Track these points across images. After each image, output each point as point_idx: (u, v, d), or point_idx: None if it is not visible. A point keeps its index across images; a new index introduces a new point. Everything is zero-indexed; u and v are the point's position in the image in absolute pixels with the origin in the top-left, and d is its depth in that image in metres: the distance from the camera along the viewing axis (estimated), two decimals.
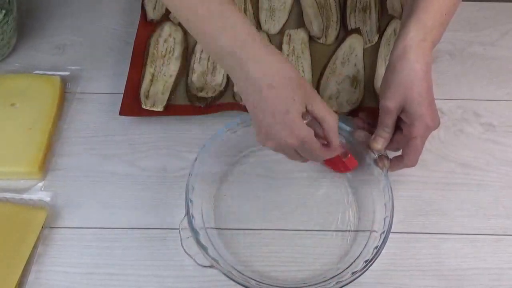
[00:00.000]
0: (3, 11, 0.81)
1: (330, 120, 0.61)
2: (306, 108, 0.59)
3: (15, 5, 0.83)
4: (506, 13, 0.95)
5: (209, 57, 0.84)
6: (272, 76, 0.56)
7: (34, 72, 0.83)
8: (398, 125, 0.67)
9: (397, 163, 0.67)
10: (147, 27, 0.88)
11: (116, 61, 0.86)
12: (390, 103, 0.63)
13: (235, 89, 0.81)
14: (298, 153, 0.63)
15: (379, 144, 0.67)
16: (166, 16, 0.90)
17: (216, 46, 0.57)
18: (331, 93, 0.80)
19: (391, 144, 0.68)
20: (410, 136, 0.64)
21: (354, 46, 0.86)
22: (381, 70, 0.83)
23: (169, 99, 0.79)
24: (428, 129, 0.64)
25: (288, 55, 0.85)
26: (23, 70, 0.84)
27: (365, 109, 0.79)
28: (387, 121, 0.65)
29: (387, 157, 0.68)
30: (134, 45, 0.86)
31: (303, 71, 0.83)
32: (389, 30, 0.88)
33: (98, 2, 0.95)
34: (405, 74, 0.62)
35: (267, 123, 0.58)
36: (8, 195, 0.71)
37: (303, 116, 0.59)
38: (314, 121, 0.61)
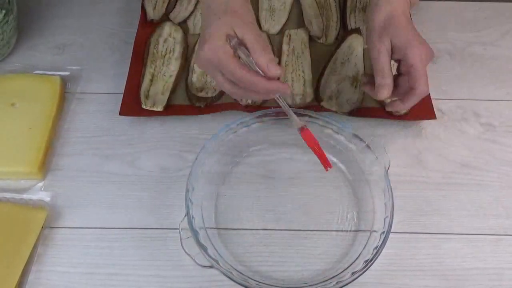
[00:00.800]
0: (3, 11, 0.81)
1: (253, 42, 0.61)
2: (235, 32, 0.61)
3: (15, 5, 0.83)
4: (506, 13, 0.95)
5: None
6: (222, 5, 0.62)
7: (34, 72, 0.83)
8: (399, 73, 0.69)
9: (411, 96, 0.67)
10: (147, 27, 0.88)
11: (116, 61, 0.86)
12: (379, 43, 0.66)
13: None
14: (225, 79, 0.62)
15: (384, 91, 0.66)
16: (166, 16, 0.90)
17: None
18: (331, 93, 0.80)
19: (397, 88, 0.68)
20: (408, 67, 0.65)
21: (354, 46, 0.86)
22: None
23: (169, 99, 0.79)
24: (422, 53, 0.65)
25: (288, 55, 0.85)
26: (23, 70, 0.84)
27: (365, 109, 0.79)
28: (382, 65, 0.66)
29: (395, 100, 0.69)
30: (134, 45, 0.86)
31: (303, 71, 0.83)
32: None
33: (98, 2, 0.95)
34: (382, 17, 0.67)
35: (198, 41, 0.62)
36: (8, 195, 0.71)
37: (227, 38, 0.61)
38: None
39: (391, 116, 0.78)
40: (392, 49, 0.67)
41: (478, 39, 0.91)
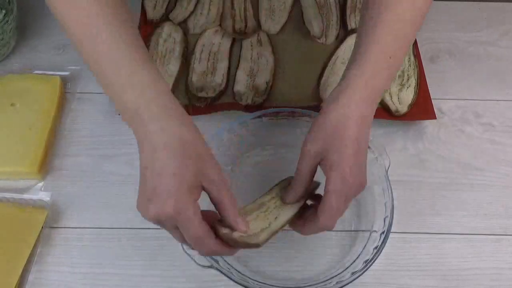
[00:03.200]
0: (3, 11, 0.81)
1: (225, 202, 0.53)
2: (200, 182, 0.52)
3: (15, 5, 0.83)
4: (506, 13, 0.95)
5: (209, 57, 0.84)
6: (170, 137, 0.51)
7: (34, 72, 0.83)
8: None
9: (312, 224, 0.56)
10: (147, 27, 0.88)
11: None
12: (309, 146, 0.56)
13: (235, 89, 0.81)
14: (180, 234, 0.53)
15: (289, 196, 0.58)
16: (166, 16, 0.90)
17: (121, 101, 0.53)
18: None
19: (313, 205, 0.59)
20: (325, 191, 0.54)
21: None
22: None
23: None
24: (346, 184, 0.54)
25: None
26: (23, 70, 0.83)
27: None
28: (303, 168, 0.56)
29: (302, 219, 0.59)
30: None
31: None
32: None
33: None
34: (331, 117, 0.55)
35: (153, 185, 0.51)
36: (8, 195, 0.71)
37: (193, 196, 0.51)
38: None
39: (391, 116, 0.78)
40: (322, 159, 0.56)
41: (478, 39, 0.91)
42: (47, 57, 0.86)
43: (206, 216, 0.53)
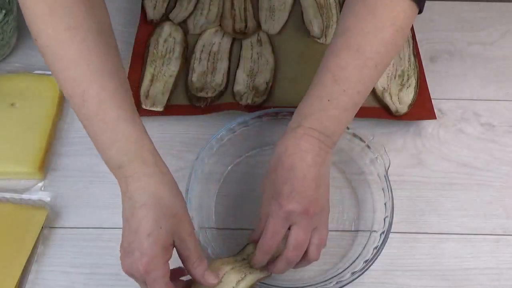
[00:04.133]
0: (3, 11, 0.81)
1: (192, 260, 0.55)
2: (173, 240, 0.54)
3: (15, 5, 0.83)
4: (506, 13, 0.95)
5: (209, 57, 0.84)
6: (148, 196, 0.53)
7: (34, 72, 0.83)
8: None
9: (274, 264, 0.59)
10: (147, 27, 0.88)
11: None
12: (261, 187, 0.59)
13: (235, 89, 0.81)
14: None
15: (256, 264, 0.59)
16: (166, 16, 0.90)
17: (106, 156, 0.56)
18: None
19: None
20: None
21: None
22: None
23: (169, 99, 0.79)
24: (281, 206, 0.55)
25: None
26: (23, 70, 0.84)
27: (366, 109, 0.78)
28: (262, 212, 0.59)
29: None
30: (134, 45, 0.86)
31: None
32: None
33: None
34: (272, 159, 0.58)
35: (128, 241, 0.53)
36: (8, 195, 0.71)
37: (166, 255, 0.53)
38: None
39: (391, 116, 0.78)
40: (273, 194, 0.57)
41: (478, 39, 0.91)
42: None
43: (175, 273, 0.57)
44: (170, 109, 0.79)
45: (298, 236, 0.56)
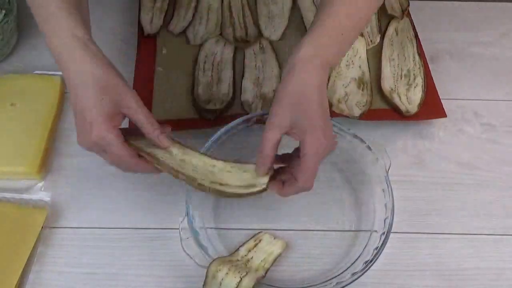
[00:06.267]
0: (3, 11, 0.81)
1: (143, 123, 0.60)
2: (120, 111, 0.59)
3: (15, 5, 0.83)
4: (506, 13, 0.95)
5: (212, 67, 0.84)
6: (86, 75, 0.58)
7: (34, 72, 0.83)
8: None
9: (289, 186, 0.61)
10: (146, 43, 0.86)
11: (115, 61, 0.85)
12: (278, 119, 0.59)
13: (243, 98, 0.80)
14: (109, 156, 0.61)
15: (259, 170, 0.61)
16: (165, 28, 0.89)
17: (50, 47, 0.60)
18: (339, 97, 0.80)
19: (288, 168, 0.62)
20: (301, 154, 0.58)
21: (356, 48, 0.85)
22: (386, 70, 0.83)
23: (177, 114, 0.78)
24: (321, 145, 0.58)
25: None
26: (23, 70, 0.84)
27: (375, 111, 0.79)
28: (264, 149, 0.60)
29: (279, 181, 0.62)
30: (137, 62, 0.84)
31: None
32: (391, 30, 0.88)
33: (98, 2, 0.95)
34: (293, 87, 0.58)
35: (79, 120, 0.59)
36: (8, 195, 0.71)
37: (113, 125, 0.58)
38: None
39: (402, 117, 0.78)
40: (292, 127, 0.59)
41: (478, 39, 0.91)
42: (47, 57, 0.85)
43: (127, 134, 0.62)
44: (180, 124, 0.77)
45: (315, 167, 0.59)
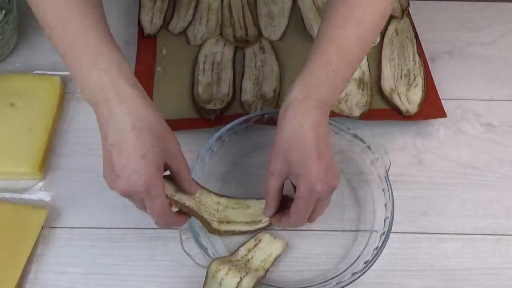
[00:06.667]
0: (3, 11, 0.81)
1: (184, 173, 0.59)
2: (164, 159, 0.56)
3: (15, 5, 0.83)
4: (506, 13, 0.95)
5: (212, 67, 0.84)
6: (137, 118, 0.54)
7: (34, 72, 0.83)
8: None
9: (285, 221, 0.63)
10: (146, 43, 0.87)
11: None
12: (273, 165, 0.59)
13: (243, 98, 0.80)
14: (143, 205, 0.58)
15: (266, 212, 0.64)
16: (165, 28, 0.89)
17: (86, 79, 0.56)
18: (339, 97, 0.80)
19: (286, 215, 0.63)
20: (295, 197, 0.59)
21: None
22: (386, 71, 0.83)
23: (177, 113, 0.78)
24: (314, 192, 0.57)
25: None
26: (23, 70, 0.83)
27: (375, 111, 0.79)
28: (271, 186, 0.61)
29: (278, 214, 0.64)
30: (136, 62, 0.84)
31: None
32: (390, 30, 0.88)
33: None
34: (286, 133, 0.57)
35: (122, 164, 0.54)
36: (8, 195, 0.71)
37: (159, 173, 0.56)
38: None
39: (402, 117, 0.78)
40: (289, 173, 0.59)
41: (478, 39, 0.91)
42: (47, 57, 0.86)
43: None
44: (181, 124, 0.77)
45: (307, 209, 0.60)
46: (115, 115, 0.54)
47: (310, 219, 0.63)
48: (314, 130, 0.57)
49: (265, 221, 0.68)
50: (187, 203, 0.61)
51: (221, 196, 0.68)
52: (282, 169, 0.59)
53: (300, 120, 0.57)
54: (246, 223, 0.68)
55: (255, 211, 0.69)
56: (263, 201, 0.65)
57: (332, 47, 0.60)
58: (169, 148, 0.57)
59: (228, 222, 0.67)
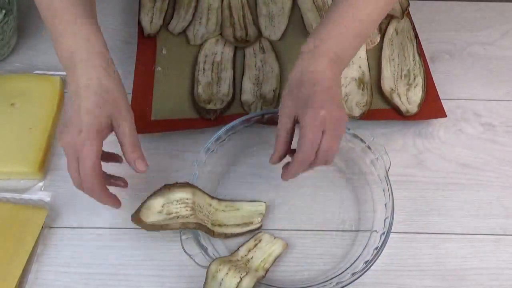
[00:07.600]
0: (3, 11, 0.81)
1: (125, 140, 0.61)
2: (111, 125, 0.60)
3: (15, 5, 0.83)
4: (506, 13, 0.95)
5: (212, 67, 0.84)
6: (91, 80, 0.59)
7: (34, 72, 0.83)
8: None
9: (292, 162, 0.62)
10: (146, 43, 0.87)
11: (115, 61, 0.85)
12: (283, 103, 0.62)
13: (243, 98, 0.80)
14: (76, 167, 0.60)
15: (273, 157, 0.64)
16: (165, 28, 0.89)
17: (61, 45, 0.62)
18: (339, 97, 0.80)
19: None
20: (300, 127, 0.60)
21: None
22: (386, 71, 0.83)
23: (178, 114, 0.78)
24: (320, 116, 0.58)
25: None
26: (23, 70, 0.84)
27: (375, 111, 0.79)
28: (281, 124, 0.62)
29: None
30: (136, 62, 0.84)
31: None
32: (391, 30, 0.88)
33: (98, 2, 0.94)
34: (295, 73, 0.63)
35: (70, 116, 0.59)
36: (8, 195, 0.71)
37: (100, 134, 0.59)
38: None
39: (402, 117, 0.78)
40: (297, 112, 0.61)
41: (478, 39, 0.91)
42: (47, 57, 0.86)
43: (108, 156, 0.65)
44: (180, 124, 0.77)
45: (328, 142, 0.59)
46: (77, 76, 0.60)
47: (319, 159, 0.60)
48: (325, 72, 0.61)
49: (256, 222, 0.69)
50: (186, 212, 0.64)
51: (213, 198, 0.69)
52: (292, 107, 0.61)
53: (312, 63, 0.62)
54: (238, 225, 0.69)
55: (245, 213, 0.69)
56: (254, 203, 0.70)
57: (346, 7, 0.64)
58: (117, 117, 0.60)
59: (220, 225, 0.68)
